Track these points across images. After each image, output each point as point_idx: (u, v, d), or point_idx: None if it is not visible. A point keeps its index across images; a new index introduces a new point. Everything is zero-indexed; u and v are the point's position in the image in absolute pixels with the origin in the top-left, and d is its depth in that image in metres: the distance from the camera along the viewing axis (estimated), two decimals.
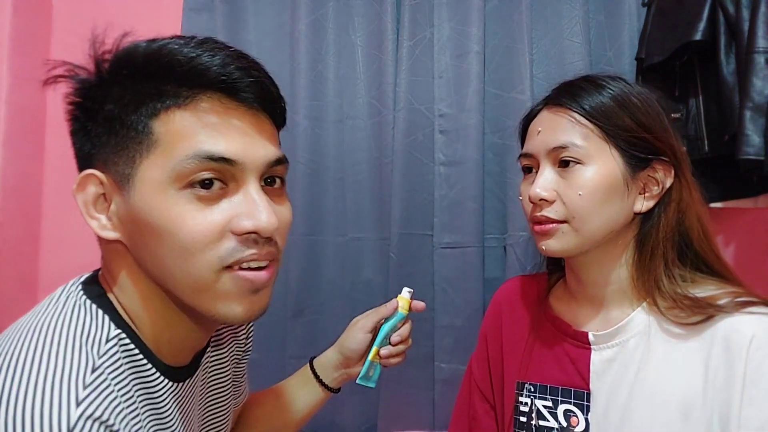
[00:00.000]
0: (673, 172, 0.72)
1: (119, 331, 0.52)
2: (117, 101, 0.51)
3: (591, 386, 0.74)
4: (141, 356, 0.54)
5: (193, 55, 0.50)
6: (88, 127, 0.53)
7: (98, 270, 0.60)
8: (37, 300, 1.43)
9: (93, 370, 0.48)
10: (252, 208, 0.51)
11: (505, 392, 0.84)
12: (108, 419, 0.46)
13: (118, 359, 0.51)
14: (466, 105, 1.25)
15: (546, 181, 0.72)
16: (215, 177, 0.50)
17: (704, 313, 0.67)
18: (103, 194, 0.52)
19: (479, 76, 1.25)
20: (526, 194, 0.75)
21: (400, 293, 0.86)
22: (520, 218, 1.20)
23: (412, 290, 0.86)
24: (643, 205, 0.72)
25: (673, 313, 0.69)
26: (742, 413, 0.62)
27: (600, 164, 0.70)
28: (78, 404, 0.45)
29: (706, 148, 1.11)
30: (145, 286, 0.54)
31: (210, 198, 0.50)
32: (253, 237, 0.51)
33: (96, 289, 0.56)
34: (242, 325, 0.63)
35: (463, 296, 1.23)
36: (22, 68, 1.37)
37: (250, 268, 0.52)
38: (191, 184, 0.50)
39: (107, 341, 0.51)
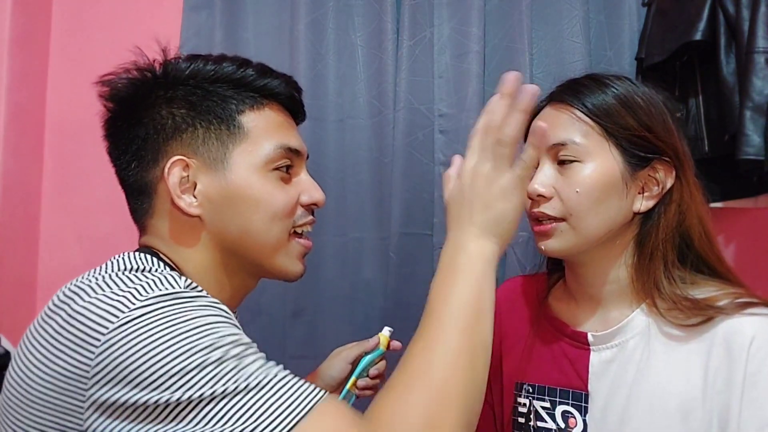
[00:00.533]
0: (674, 172, 0.72)
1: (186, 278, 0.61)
2: (221, 119, 0.65)
3: (589, 387, 0.74)
4: None
5: (264, 72, 0.68)
6: (165, 123, 0.64)
7: (135, 251, 0.65)
8: (36, 300, 1.43)
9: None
10: (310, 187, 0.70)
11: (504, 392, 0.84)
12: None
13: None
14: (466, 105, 1.25)
15: (545, 177, 0.72)
16: (290, 164, 0.67)
17: (704, 314, 0.67)
18: (186, 176, 0.63)
19: (479, 76, 1.25)
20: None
21: (381, 331, 0.91)
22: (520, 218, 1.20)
23: (392, 329, 0.91)
24: (642, 204, 0.72)
25: (672, 315, 0.69)
26: (742, 415, 0.62)
27: (599, 162, 0.70)
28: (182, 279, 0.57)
29: (706, 148, 1.11)
30: (212, 254, 0.65)
31: (287, 179, 0.67)
32: (312, 207, 0.70)
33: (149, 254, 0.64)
34: (294, 280, 0.72)
35: None
36: (22, 68, 1.37)
37: (304, 236, 0.70)
38: (277, 168, 0.66)
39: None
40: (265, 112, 0.66)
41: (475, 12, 1.25)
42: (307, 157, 0.72)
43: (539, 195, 0.72)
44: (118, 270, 0.58)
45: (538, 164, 0.73)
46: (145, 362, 0.49)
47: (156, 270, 0.59)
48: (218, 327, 0.53)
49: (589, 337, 0.75)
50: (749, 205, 1.17)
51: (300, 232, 0.69)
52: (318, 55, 1.32)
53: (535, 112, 0.78)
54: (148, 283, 0.54)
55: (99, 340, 0.50)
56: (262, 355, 0.55)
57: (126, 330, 0.50)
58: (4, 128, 1.32)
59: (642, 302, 0.72)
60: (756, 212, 1.24)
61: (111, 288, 0.53)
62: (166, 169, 0.62)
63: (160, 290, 0.53)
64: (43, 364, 0.52)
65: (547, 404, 0.77)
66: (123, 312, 0.51)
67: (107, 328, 0.50)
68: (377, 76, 1.31)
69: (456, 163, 0.67)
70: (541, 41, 1.28)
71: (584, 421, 0.73)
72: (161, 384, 0.48)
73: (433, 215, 1.26)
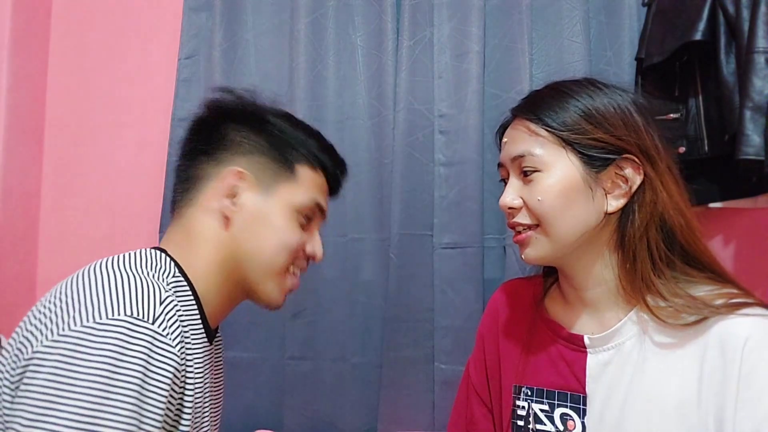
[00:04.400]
0: (641, 168, 0.71)
1: (181, 278, 0.71)
2: (282, 161, 0.78)
3: (587, 389, 0.74)
4: (194, 302, 0.71)
5: (332, 151, 0.85)
6: (244, 145, 0.77)
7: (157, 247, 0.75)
8: (35, 300, 1.43)
9: (165, 292, 0.65)
10: (317, 242, 0.82)
11: (503, 396, 0.84)
12: (173, 329, 0.62)
13: (173, 301, 0.66)
14: (465, 105, 1.25)
15: (512, 189, 0.75)
16: (312, 217, 0.79)
17: (698, 313, 0.67)
18: (236, 185, 0.75)
19: (479, 76, 1.25)
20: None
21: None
22: None
23: None
24: (611, 205, 0.72)
25: (665, 314, 0.69)
26: (737, 415, 0.62)
27: (557, 169, 0.71)
28: (161, 303, 0.62)
29: (706, 148, 1.10)
30: (221, 256, 0.74)
31: (305, 227, 0.79)
32: (309, 259, 0.82)
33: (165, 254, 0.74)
34: (271, 309, 0.81)
35: (462, 297, 1.23)
36: (22, 68, 1.37)
37: (295, 275, 0.80)
38: (303, 215, 0.78)
39: (173, 283, 0.69)
40: (317, 172, 0.80)
41: (475, 12, 1.25)
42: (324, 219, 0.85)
43: (510, 207, 0.75)
44: (130, 267, 0.66)
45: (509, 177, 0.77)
46: (27, 396, 0.54)
47: (154, 275, 0.67)
48: (112, 410, 0.54)
49: (586, 340, 0.75)
50: (749, 205, 1.17)
51: (292, 271, 0.79)
52: (318, 55, 1.32)
53: (504, 127, 0.81)
54: (113, 302, 0.59)
55: (33, 345, 0.57)
56: None
57: (41, 355, 0.56)
58: (4, 128, 1.32)
59: (635, 303, 0.72)
60: (755, 212, 1.24)
61: (82, 307, 0.59)
62: (225, 172, 0.75)
63: (113, 314, 0.58)
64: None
65: (546, 407, 0.77)
66: (54, 334, 0.57)
67: (44, 338, 0.57)
68: (377, 77, 1.31)
69: None
70: (541, 41, 1.28)
71: (583, 423, 0.73)
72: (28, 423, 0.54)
73: (433, 215, 1.26)
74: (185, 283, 0.71)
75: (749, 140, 0.94)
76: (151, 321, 0.58)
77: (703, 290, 0.70)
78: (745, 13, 0.98)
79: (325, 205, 0.81)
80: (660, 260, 0.71)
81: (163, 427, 0.59)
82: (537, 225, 0.73)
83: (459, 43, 1.27)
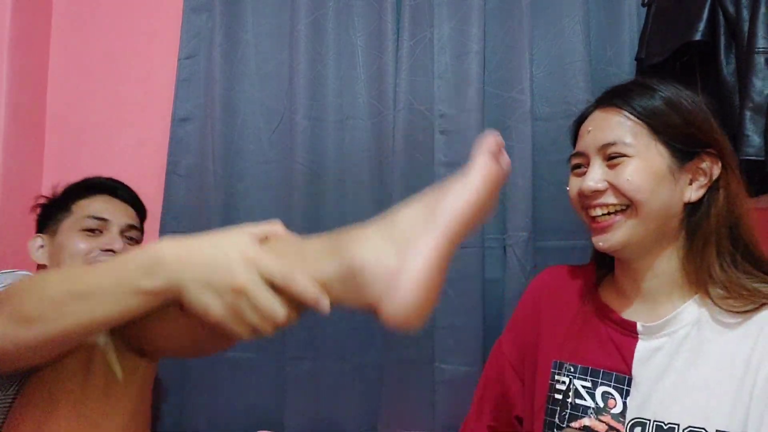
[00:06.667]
0: (720, 162, 0.77)
1: None
2: (61, 208, 1.13)
3: (633, 372, 0.76)
4: None
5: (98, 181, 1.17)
6: (47, 219, 1.14)
7: None
8: None
9: None
10: (110, 241, 1.10)
11: (538, 371, 0.87)
12: None
13: None
14: (466, 105, 1.25)
15: (596, 173, 0.78)
16: (96, 227, 1.10)
17: (756, 302, 0.71)
18: (42, 245, 1.12)
19: (479, 76, 1.25)
20: (576, 188, 0.81)
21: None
22: (520, 218, 1.20)
23: None
24: (693, 194, 0.76)
25: (726, 303, 0.72)
26: None
27: (646, 157, 0.75)
28: None
29: None
30: None
31: (93, 237, 1.10)
32: (110, 253, 1.08)
33: None
34: None
35: (463, 296, 1.23)
36: (22, 68, 1.37)
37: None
38: (86, 229, 1.09)
39: None
40: (89, 198, 1.12)
41: (475, 12, 1.25)
42: (134, 228, 1.15)
43: (594, 191, 0.77)
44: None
45: (589, 165, 0.80)
46: None
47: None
48: None
49: (639, 327, 0.78)
50: (749, 205, 1.17)
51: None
52: (318, 55, 1.32)
53: (583, 118, 0.84)
54: None
55: None
56: None
57: None
58: (4, 128, 1.32)
59: (694, 293, 0.76)
60: (756, 212, 1.24)
61: None
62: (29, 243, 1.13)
63: None
64: None
65: (588, 384, 0.80)
66: None
67: None
68: (377, 77, 1.31)
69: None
70: (541, 41, 1.28)
71: (624, 403, 0.76)
72: None
73: None
74: None
75: (750, 141, 0.94)
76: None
77: (759, 284, 0.74)
78: (745, 14, 0.98)
79: (104, 213, 1.10)
80: (726, 251, 0.75)
81: None
82: (626, 207, 0.76)
83: (459, 43, 1.27)
